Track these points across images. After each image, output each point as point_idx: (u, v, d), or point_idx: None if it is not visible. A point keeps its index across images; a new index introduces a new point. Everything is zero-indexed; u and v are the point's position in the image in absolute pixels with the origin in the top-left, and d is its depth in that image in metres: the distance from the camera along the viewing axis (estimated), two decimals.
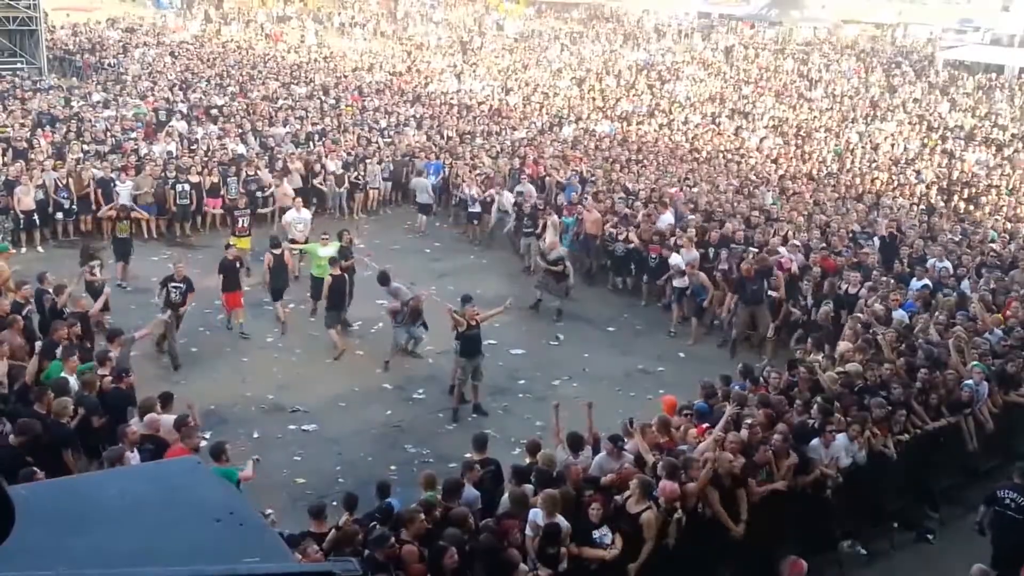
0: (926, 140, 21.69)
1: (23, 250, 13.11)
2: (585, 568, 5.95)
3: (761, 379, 8.20)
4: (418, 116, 21.14)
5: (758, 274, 10.93)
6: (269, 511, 5.85)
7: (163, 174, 14.58)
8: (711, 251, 12.42)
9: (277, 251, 11.30)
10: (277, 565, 1.59)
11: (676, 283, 12.05)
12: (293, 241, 12.65)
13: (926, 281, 11.19)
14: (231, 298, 10.99)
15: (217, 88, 22.08)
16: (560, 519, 5.81)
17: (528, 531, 5.77)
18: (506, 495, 6.13)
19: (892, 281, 11.01)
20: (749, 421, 6.97)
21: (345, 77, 25.81)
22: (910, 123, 23.18)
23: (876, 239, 12.98)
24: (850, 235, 13.17)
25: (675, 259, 12.08)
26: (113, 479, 2.59)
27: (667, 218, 13.63)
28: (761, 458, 6.76)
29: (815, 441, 7.18)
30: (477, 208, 15.30)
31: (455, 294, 10.86)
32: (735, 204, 14.52)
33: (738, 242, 12.52)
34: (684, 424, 7.19)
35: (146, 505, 1.73)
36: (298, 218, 13.08)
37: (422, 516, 5.58)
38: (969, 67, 29.78)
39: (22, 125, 16.69)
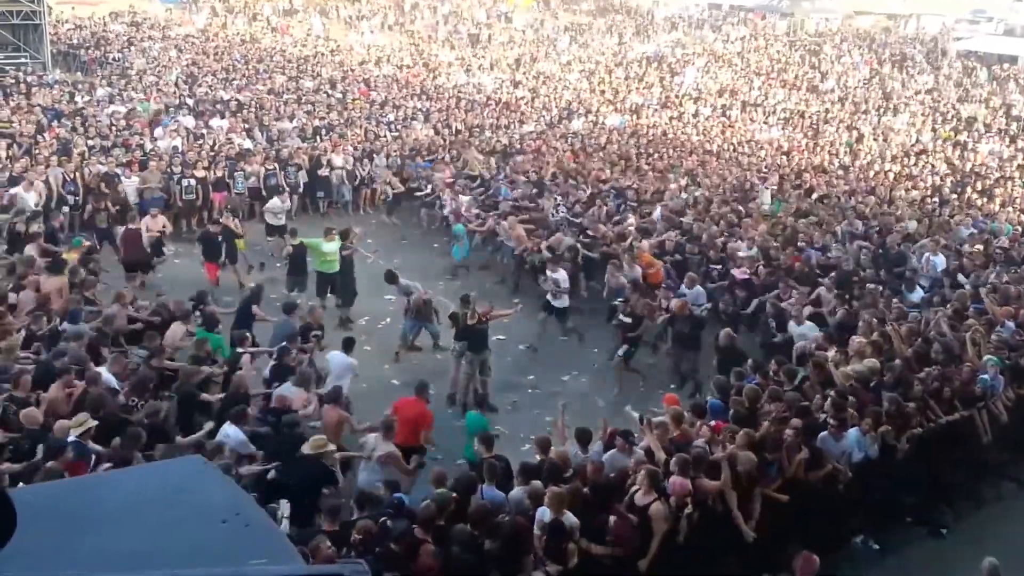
0: (939, 131, 21.45)
1: (28, 247, 13.11)
2: (596, 563, 5.91)
3: (770, 373, 8.10)
4: (426, 110, 21.05)
5: (693, 318, 9.73)
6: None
7: (168, 169, 14.57)
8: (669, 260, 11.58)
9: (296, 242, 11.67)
10: (284, 568, 1.55)
11: (556, 303, 10.58)
12: (270, 227, 13.49)
13: (919, 290, 10.68)
14: (211, 268, 11.91)
15: (223, 82, 22.04)
16: (567, 516, 5.77)
17: (535, 529, 5.75)
18: (514, 491, 6.08)
19: (877, 288, 10.31)
20: (773, 415, 6.91)
21: (352, 71, 25.74)
22: (923, 114, 22.94)
23: (864, 248, 11.90)
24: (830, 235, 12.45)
25: (559, 274, 10.69)
26: (118, 480, 2.58)
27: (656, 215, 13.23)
28: (772, 455, 6.70)
29: (824, 434, 7.11)
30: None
31: (463, 289, 10.83)
32: (718, 209, 13.50)
33: (691, 253, 11.68)
34: (698, 420, 7.13)
35: (151, 506, 1.69)
36: (279, 207, 13.53)
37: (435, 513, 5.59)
38: (982, 57, 29.42)
39: (27, 121, 16.68)
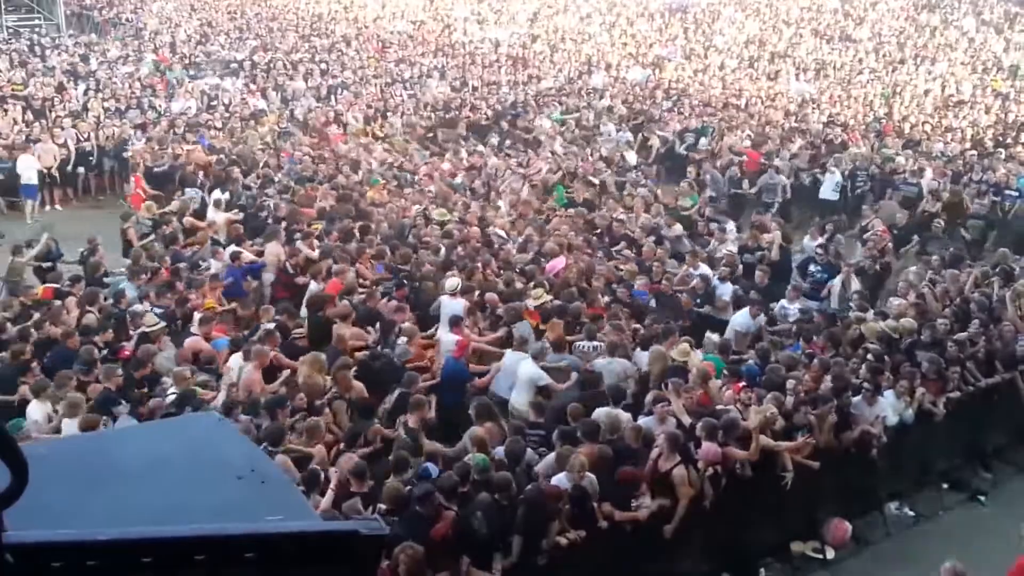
0: (979, 81, 20.47)
1: (46, 208, 13.12)
2: (621, 529, 5.76)
3: (814, 337, 7.76)
4: (441, 67, 20.54)
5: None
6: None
7: (171, 131, 14.14)
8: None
9: None
10: (301, 523, 1.50)
11: None
12: None
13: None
14: None
15: (237, 42, 21.67)
16: (588, 479, 5.59)
17: None
18: (549, 456, 5.90)
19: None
20: (791, 384, 6.65)
21: (366, 27, 25.17)
22: (962, 63, 21.91)
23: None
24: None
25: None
26: (132, 435, 2.58)
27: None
28: (801, 420, 6.46)
29: (857, 399, 6.83)
30: None
31: None
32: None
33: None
34: (724, 382, 6.88)
35: (166, 462, 1.67)
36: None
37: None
38: None
39: (43, 84, 16.49)
